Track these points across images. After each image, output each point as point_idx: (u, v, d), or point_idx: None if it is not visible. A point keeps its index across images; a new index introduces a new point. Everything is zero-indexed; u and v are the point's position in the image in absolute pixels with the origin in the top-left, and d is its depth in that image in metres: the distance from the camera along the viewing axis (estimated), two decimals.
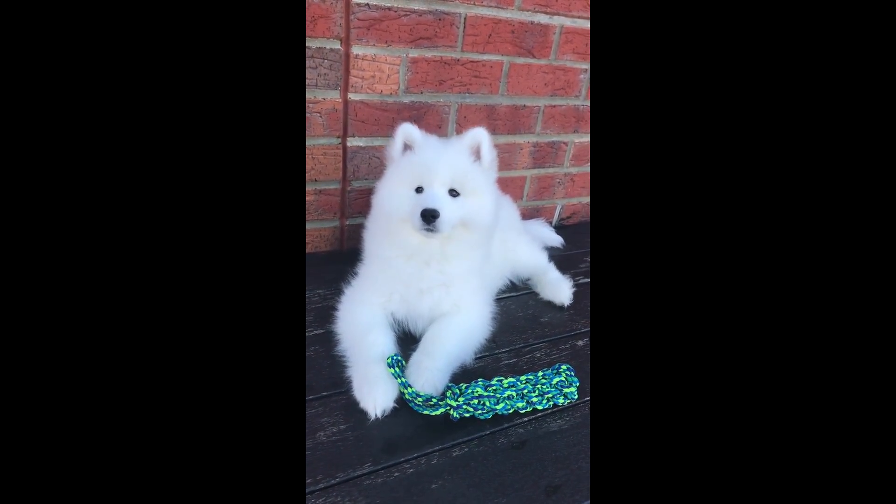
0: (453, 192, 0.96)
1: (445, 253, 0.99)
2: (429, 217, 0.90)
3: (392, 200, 0.98)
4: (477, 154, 1.01)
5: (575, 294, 1.32)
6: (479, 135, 1.00)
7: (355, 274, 1.11)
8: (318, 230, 1.35)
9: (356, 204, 1.35)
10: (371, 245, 1.07)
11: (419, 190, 0.97)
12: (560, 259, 1.52)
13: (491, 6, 1.26)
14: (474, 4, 1.24)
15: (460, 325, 1.03)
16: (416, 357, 0.96)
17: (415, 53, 1.23)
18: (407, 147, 1.01)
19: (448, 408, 0.86)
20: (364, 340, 0.96)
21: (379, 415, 0.86)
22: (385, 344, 0.96)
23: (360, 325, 1.00)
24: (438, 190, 0.95)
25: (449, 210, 0.93)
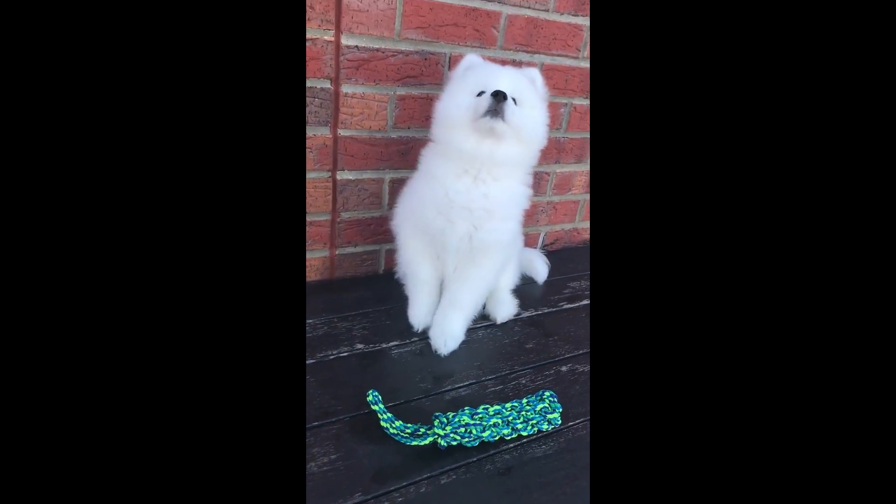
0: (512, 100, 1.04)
1: (495, 158, 1.05)
2: (501, 95, 0.98)
3: (453, 104, 1.06)
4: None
5: (558, 320, 1.36)
6: (535, 72, 1.13)
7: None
8: (309, 260, 1.39)
9: (346, 234, 1.39)
10: (425, 164, 1.16)
11: (480, 94, 1.04)
12: (544, 284, 1.57)
13: (475, 46, 1.33)
14: (458, 45, 1.30)
15: (484, 278, 1.19)
16: (441, 309, 1.19)
17: (402, 91, 1.28)
18: (466, 71, 1.10)
19: (436, 437, 0.88)
20: (414, 267, 1.21)
21: (419, 329, 1.20)
22: (430, 269, 1.21)
23: (410, 252, 1.20)
24: (503, 84, 1.02)
25: (511, 101, 1.01)
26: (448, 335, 1.17)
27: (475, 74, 1.08)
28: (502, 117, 1.00)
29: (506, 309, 1.33)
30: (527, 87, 1.08)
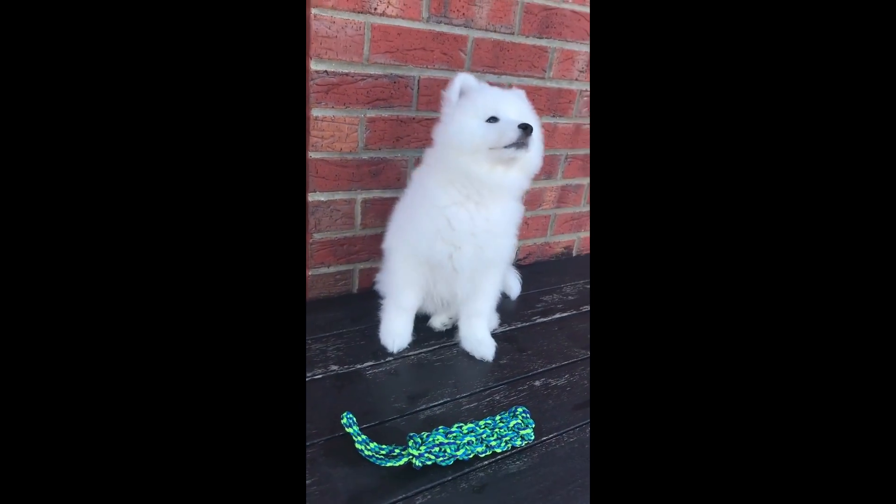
0: None
1: (503, 184, 1.08)
2: (529, 128, 0.99)
3: (466, 130, 1.05)
4: None
5: (532, 334, 1.39)
6: (520, 93, 1.16)
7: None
8: None
9: (318, 255, 1.39)
10: (420, 189, 1.16)
11: (491, 120, 1.04)
12: (517, 298, 1.60)
13: (442, 68, 1.36)
14: (426, 68, 1.33)
15: (494, 285, 1.27)
16: (465, 319, 1.27)
17: (372, 114, 1.30)
18: (463, 93, 1.11)
19: (410, 457, 0.89)
20: (398, 293, 1.23)
21: (394, 351, 1.22)
22: (414, 298, 1.24)
23: (398, 279, 1.23)
24: (517, 116, 1.04)
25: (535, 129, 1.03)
26: (484, 343, 1.27)
27: (481, 98, 1.08)
28: (526, 148, 1.02)
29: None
30: (531, 112, 1.12)
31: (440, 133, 1.11)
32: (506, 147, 1.01)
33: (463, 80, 1.11)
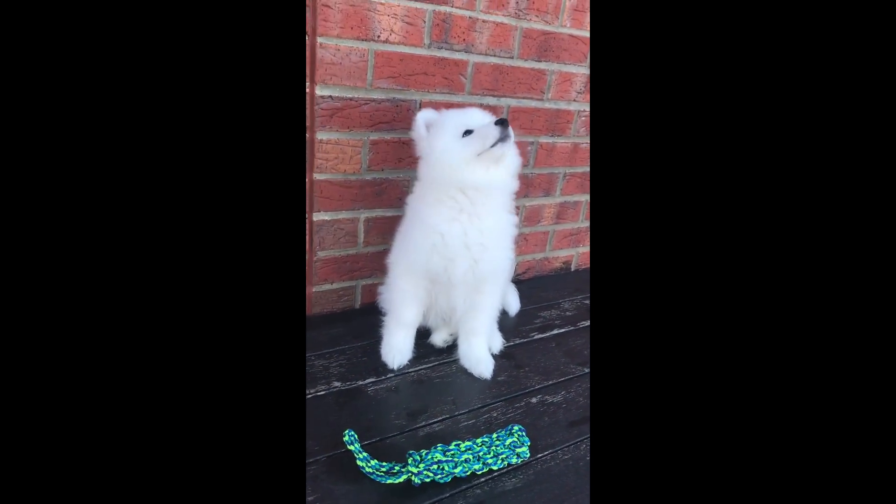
0: None
1: (496, 184, 1.15)
2: (505, 122, 1.08)
3: (450, 150, 1.12)
4: None
5: (529, 350, 1.42)
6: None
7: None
8: None
9: (322, 272, 1.43)
10: (414, 211, 1.23)
11: (467, 133, 1.12)
12: (516, 315, 1.63)
13: (444, 92, 1.40)
14: (428, 92, 1.37)
15: (492, 304, 1.30)
16: (464, 336, 1.31)
17: (375, 136, 1.35)
18: (429, 126, 1.18)
19: (410, 474, 0.92)
20: (399, 308, 1.27)
21: (395, 368, 1.25)
22: (414, 314, 1.28)
23: (399, 294, 1.27)
24: (486, 122, 1.12)
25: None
26: (483, 361, 1.30)
27: (449, 120, 1.16)
28: (511, 139, 1.10)
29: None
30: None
31: (427, 165, 1.18)
32: (492, 146, 1.09)
33: (424, 116, 1.19)
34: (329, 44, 1.20)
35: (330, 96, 1.25)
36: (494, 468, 1.00)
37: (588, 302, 1.77)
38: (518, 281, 1.79)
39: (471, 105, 1.24)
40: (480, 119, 1.15)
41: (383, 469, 0.94)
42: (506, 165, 1.16)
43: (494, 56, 1.45)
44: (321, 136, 1.27)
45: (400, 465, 0.95)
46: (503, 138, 1.08)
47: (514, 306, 1.62)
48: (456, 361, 1.33)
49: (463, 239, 1.16)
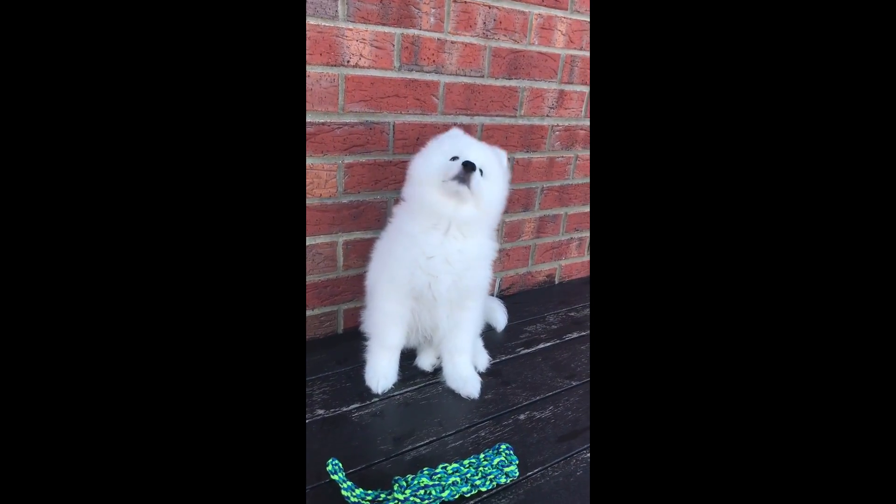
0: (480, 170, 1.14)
1: (456, 217, 1.16)
2: (470, 166, 1.10)
3: (427, 163, 1.17)
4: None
5: (516, 366, 1.41)
6: (503, 152, 1.26)
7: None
8: None
9: None
10: (396, 221, 1.25)
11: (454, 159, 1.14)
12: (503, 331, 1.62)
13: (416, 113, 1.41)
14: (401, 113, 1.38)
15: (474, 320, 1.31)
16: (448, 356, 1.30)
17: (350, 159, 1.35)
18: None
19: (396, 502, 0.90)
20: (382, 331, 1.26)
21: (380, 392, 1.23)
22: (398, 336, 1.27)
23: (381, 316, 1.26)
24: (473, 156, 1.14)
25: (479, 172, 1.13)
26: (469, 381, 1.29)
27: (449, 141, 1.20)
28: (468, 185, 1.11)
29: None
30: (494, 163, 1.20)
31: (410, 168, 1.22)
32: (451, 179, 1.11)
33: (453, 131, 1.26)
34: None
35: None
36: (483, 489, 0.97)
37: (573, 314, 1.77)
38: (502, 296, 1.79)
39: (446, 125, 1.25)
40: (477, 153, 1.17)
41: (369, 497, 0.91)
42: (472, 204, 1.15)
43: (465, 76, 1.46)
44: None
45: (386, 492, 0.93)
46: (460, 178, 1.11)
47: (501, 322, 1.61)
48: (441, 382, 1.31)
49: (442, 251, 1.17)
